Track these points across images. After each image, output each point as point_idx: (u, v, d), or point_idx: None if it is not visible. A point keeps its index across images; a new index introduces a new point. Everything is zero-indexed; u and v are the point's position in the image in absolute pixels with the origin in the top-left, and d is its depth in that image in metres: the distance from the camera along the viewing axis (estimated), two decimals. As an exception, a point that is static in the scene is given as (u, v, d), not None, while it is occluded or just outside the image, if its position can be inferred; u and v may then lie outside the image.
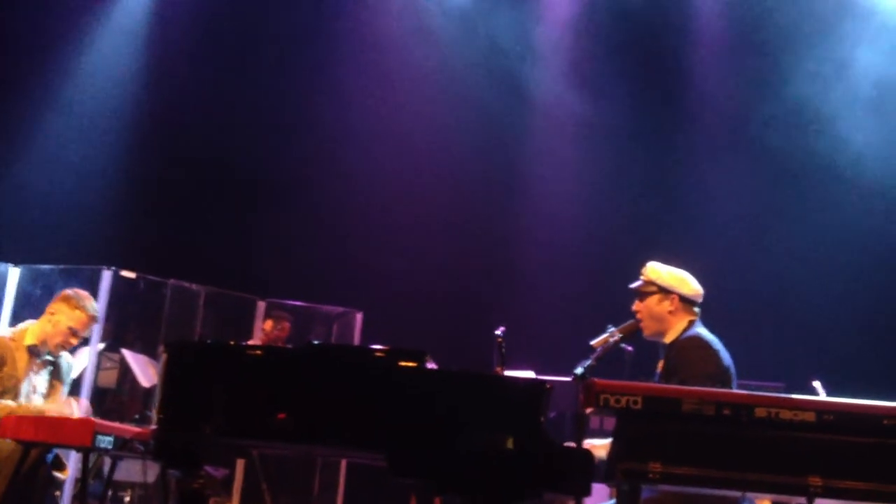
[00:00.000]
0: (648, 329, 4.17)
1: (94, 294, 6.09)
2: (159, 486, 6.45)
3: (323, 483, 8.20)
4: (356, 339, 8.37)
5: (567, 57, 9.22)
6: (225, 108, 9.05)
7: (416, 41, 9.29)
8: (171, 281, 7.82)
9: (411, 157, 9.06)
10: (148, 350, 7.53)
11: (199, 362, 3.61)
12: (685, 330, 4.10)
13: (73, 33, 9.11)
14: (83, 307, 5.26)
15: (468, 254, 8.92)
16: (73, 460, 5.85)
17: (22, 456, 4.66)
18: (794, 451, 3.05)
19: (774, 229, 8.40)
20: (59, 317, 5.22)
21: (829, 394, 5.09)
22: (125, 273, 7.20)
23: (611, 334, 4.08)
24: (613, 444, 3.22)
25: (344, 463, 8.02)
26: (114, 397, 7.76)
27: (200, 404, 3.51)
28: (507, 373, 3.88)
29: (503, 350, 3.89)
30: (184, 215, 9.06)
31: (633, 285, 4.25)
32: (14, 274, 7.10)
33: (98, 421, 4.80)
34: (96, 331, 6.37)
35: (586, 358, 3.95)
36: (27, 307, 6.70)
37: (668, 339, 4.13)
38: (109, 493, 6.05)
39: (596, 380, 3.15)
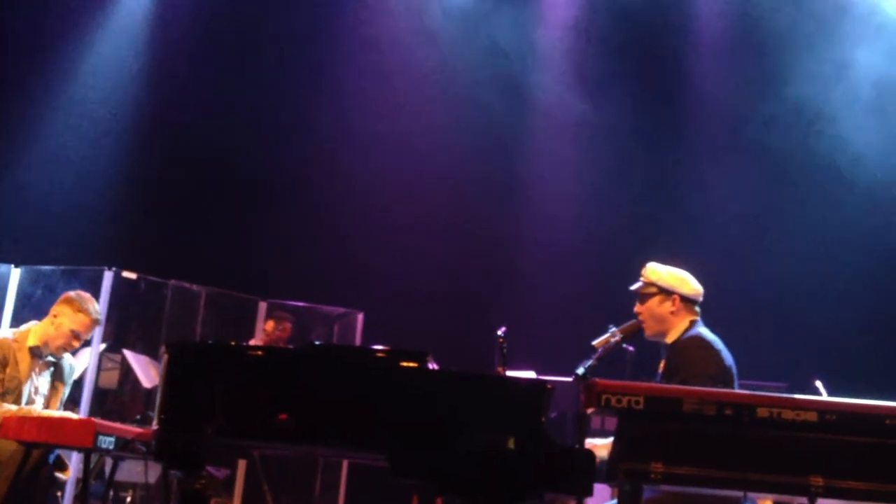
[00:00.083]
0: (650, 330, 4.17)
1: (96, 295, 6.09)
2: (161, 486, 6.45)
3: (324, 483, 8.20)
4: (357, 340, 8.37)
5: (567, 57, 9.22)
6: (225, 109, 9.05)
7: (417, 41, 9.29)
8: (173, 281, 7.82)
9: (412, 158, 9.06)
10: (149, 351, 7.53)
11: (201, 363, 3.61)
12: (687, 330, 4.10)
13: (73, 34, 9.12)
14: (86, 310, 5.25)
15: (469, 254, 8.92)
16: (74, 461, 5.85)
17: (24, 456, 4.66)
18: (795, 451, 3.05)
19: (774, 229, 8.40)
20: (61, 319, 5.22)
21: (830, 394, 5.10)
22: (126, 274, 7.20)
23: (612, 334, 4.08)
24: (615, 445, 3.22)
25: (345, 463, 8.02)
26: (115, 398, 7.76)
27: (202, 405, 3.51)
28: (509, 373, 3.88)
29: (504, 350, 3.89)
30: (185, 216, 9.06)
31: (634, 287, 4.25)
32: (15, 275, 7.10)
33: (99, 421, 4.80)
34: (98, 332, 6.37)
35: (587, 358, 3.96)
36: (28, 308, 6.70)
37: (669, 339, 4.13)
38: (111, 493, 6.06)
39: (597, 380, 3.16)
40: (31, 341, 5.22)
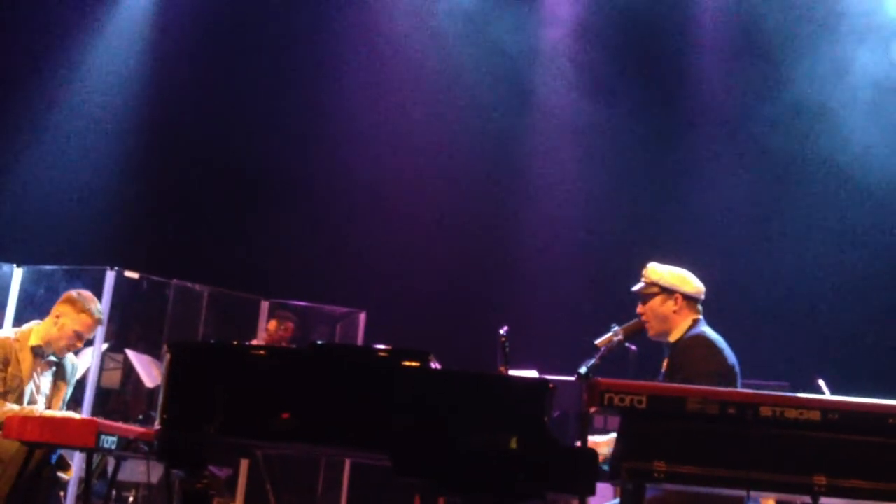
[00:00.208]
0: (654, 329, 4.17)
1: (98, 294, 6.09)
2: (163, 486, 6.45)
3: (327, 483, 8.21)
4: (360, 339, 8.38)
5: (569, 58, 9.23)
6: (227, 108, 9.06)
7: (418, 41, 9.30)
8: (175, 281, 7.83)
9: (414, 158, 9.07)
10: (151, 350, 7.54)
11: (203, 363, 3.60)
12: (689, 329, 4.10)
13: (74, 34, 9.13)
14: (88, 310, 5.24)
15: (471, 254, 8.93)
16: (77, 461, 5.85)
17: (26, 456, 4.66)
18: (798, 449, 3.05)
19: (776, 229, 8.41)
20: (64, 320, 5.21)
21: (833, 392, 5.10)
22: (128, 273, 7.21)
23: (615, 333, 4.08)
24: (618, 443, 3.22)
25: (348, 463, 8.03)
26: (117, 397, 7.77)
27: (204, 404, 3.51)
28: (511, 372, 3.88)
29: (506, 349, 3.89)
30: (187, 215, 9.07)
31: (636, 288, 4.25)
32: (17, 274, 7.11)
33: (102, 421, 4.80)
34: (100, 331, 6.37)
35: (590, 357, 3.96)
36: (30, 308, 6.70)
37: (672, 338, 4.13)
38: (113, 493, 6.05)
39: (600, 379, 3.15)
40: (34, 341, 5.22)
